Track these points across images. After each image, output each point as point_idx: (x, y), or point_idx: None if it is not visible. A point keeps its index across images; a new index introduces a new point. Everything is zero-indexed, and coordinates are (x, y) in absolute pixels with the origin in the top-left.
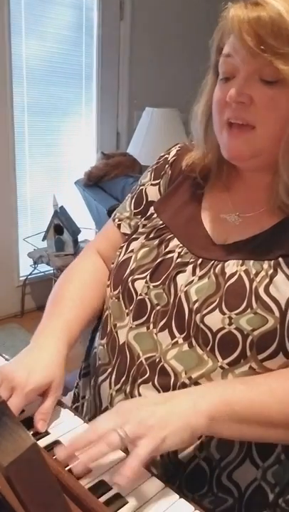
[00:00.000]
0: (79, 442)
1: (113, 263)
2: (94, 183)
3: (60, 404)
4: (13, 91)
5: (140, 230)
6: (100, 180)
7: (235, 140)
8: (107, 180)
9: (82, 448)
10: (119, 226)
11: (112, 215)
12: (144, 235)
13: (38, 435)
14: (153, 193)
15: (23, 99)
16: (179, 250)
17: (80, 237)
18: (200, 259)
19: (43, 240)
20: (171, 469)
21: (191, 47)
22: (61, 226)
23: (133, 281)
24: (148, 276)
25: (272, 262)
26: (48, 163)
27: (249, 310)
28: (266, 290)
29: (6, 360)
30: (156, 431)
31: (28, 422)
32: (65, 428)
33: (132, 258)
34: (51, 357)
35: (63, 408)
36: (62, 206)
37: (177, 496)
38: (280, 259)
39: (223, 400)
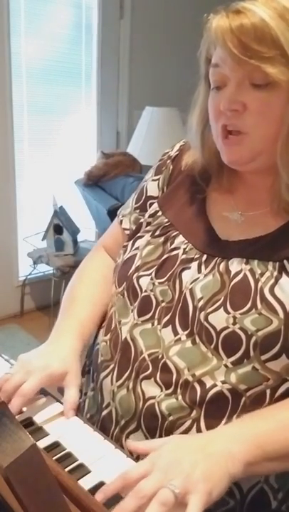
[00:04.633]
0: (127, 506)
1: (118, 260)
2: (94, 182)
3: (61, 403)
4: (13, 90)
5: (146, 227)
6: (100, 180)
7: (231, 147)
8: (107, 179)
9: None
10: (121, 222)
11: (118, 212)
12: (150, 233)
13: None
14: (152, 188)
15: (23, 99)
16: (184, 247)
17: (80, 237)
18: (205, 256)
19: (42, 239)
20: None
21: (191, 46)
22: (61, 226)
23: (138, 277)
24: (153, 273)
25: (277, 264)
26: (48, 162)
27: (254, 310)
28: (271, 291)
29: (6, 360)
30: (203, 485)
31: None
32: (65, 429)
33: (138, 255)
34: (67, 351)
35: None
36: (61, 206)
37: None
38: (285, 262)
39: (256, 444)
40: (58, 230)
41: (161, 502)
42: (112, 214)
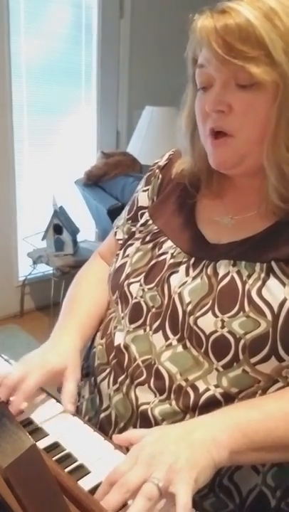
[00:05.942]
0: (111, 501)
1: (111, 268)
2: (93, 182)
3: (61, 403)
4: (13, 90)
5: (136, 235)
6: (100, 180)
7: (219, 148)
8: (107, 179)
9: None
10: (116, 234)
11: (113, 224)
12: (140, 240)
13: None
14: (143, 199)
15: (23, 99)
16: (172, 251)
17: (80, 237)
18: (192, 259)
19: (42, 239)
20: None
21: None
22: (60, 226)
23: (128, 285)
24: (142, 279)
25: (264, 265)
26: (48, 162)
27: (241, 313)
28: (259, 293)
29: (6, 360)
30: (188, 473)
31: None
32: (65, 429)
33: (128, 263)
34: (66, 347)
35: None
36: (61, 206)
37: None
38: (273, 263)
39: (241, 432)
40: (57, 230)
41: (146, 496)
42: (112, 214)
